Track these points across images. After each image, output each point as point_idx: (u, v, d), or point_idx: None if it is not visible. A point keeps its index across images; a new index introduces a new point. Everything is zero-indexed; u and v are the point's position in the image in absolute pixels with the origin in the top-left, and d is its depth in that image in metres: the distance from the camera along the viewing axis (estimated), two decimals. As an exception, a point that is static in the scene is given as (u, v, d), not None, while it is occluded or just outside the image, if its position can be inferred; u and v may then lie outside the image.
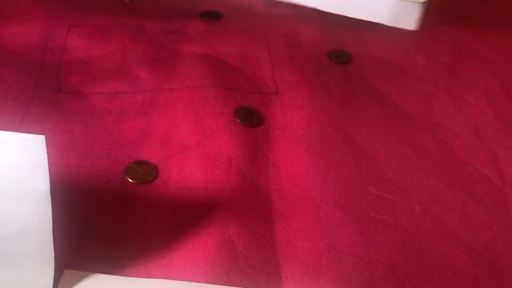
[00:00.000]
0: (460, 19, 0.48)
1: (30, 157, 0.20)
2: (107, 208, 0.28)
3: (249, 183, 0.31)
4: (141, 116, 0.34)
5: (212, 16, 0.45)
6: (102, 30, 0.41)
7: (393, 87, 0.40)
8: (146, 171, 0.31)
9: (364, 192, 0.31)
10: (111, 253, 0.26)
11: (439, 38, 0.46)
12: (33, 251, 0.23)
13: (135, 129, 0.33)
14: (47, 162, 0.21)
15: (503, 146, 0.35)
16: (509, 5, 0.53)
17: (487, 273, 0.28)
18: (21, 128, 0.32)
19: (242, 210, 0.29)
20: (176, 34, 0.42)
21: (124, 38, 0.40)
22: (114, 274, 0.25)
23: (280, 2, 0.47)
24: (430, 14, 0.49)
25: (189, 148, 0.32)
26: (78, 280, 0.24)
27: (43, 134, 0.20)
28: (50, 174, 0.21)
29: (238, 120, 0.34)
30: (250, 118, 0.35)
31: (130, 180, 0.30)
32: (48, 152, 0.21)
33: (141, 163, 0.31)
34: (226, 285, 0.25)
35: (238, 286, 0.25)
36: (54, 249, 0.23)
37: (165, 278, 0.25)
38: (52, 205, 0.22)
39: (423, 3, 0.39)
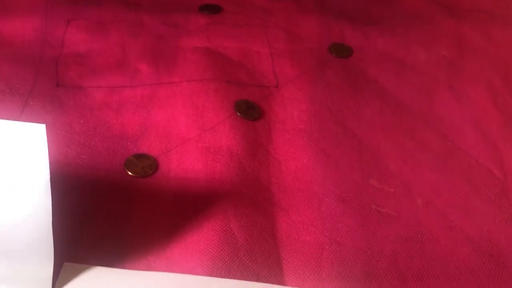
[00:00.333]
0: (461, 12, 0.48)
1: (30, 146, 0.20)
2: (107, 202, 0.28)
3: (250, 176, 0.31)
4: (141, 109, 0.34)
5: (212, 9, 0.44)
6: (101, 23, 0.41)
7: (394, 81, 0.40)
8: (146, 164, 0.30)
9: (366, 185, 0.31)
10: (111, 246, 0.26)
11: (440, 32, 0.46)
12: (33, 243, 0.22)
13: (134, 122, 0.33)
14: (47, 151, 0.20)
15: (505, 139, 0.35)
16: (510, -1, 0.53)
17: (489, 265, 0.27)
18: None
19: (243, 203, 0.29)
20: (176, 28, 0.42)
21: (123, 32, 0.40)
22: (114, 267, 0.25)
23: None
24: (430, 8, 0.49)
25: (189, 141, 0.32)
26: (77, 273, 0.24)
27: None
28: (49, 167, 0.21)
29: (238, 113, 0.34)
30: (250, 112, 0.35)
31: (130, 174, 0.30)
32: (47, 145, 0.21)
33: (141, 156, 0.31)
34: (227, 278, 0.25)
35: (239, 279, 0.25)
36: (54, 242, 0.23)
37: (166, 271, 0.25)
38: (52, 197, 0.21)
39: None
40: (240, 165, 0.31)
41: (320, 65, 0.40)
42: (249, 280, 0.25)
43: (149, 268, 0.25)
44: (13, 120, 0.31)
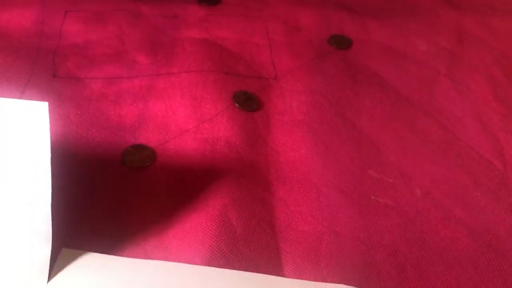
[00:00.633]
0: (461, 4, 0.48)
1: (32, 125, 0.20)
2: (105, 192, 0.28)
3: (248, 167, 0.30)
4: (139, 100, 0.34)
5: (210, 0, 0.44)
6: (99, 14, 0.40)
7: (393, 73, 0.39)
8: (144, 155, 0.30)
9: (365, 176, 0.31)
10: (109, 235, 0.26)
11: (440, 23, 0.45)
12: (31, 227, 0.22)
13: (132, 113, 0.33)
14: (49, 130, 0.20)
15: (505, 130, 0.35)
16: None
17: (488, 256, 0.27)
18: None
19: (241, 193, 0.28)
20: (174, 18, 0.41)
21: (121, 23, 0.40)
22: (111, 255, 0.25)
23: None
24: (431, 0, 0.49)
25: (187, 132, 0.32)
26: (75, 258, 0.24)
27: None
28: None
29: (236, 104, 0.34)
30: (248, 103, 0.34)
31: (128, 164, 0.29)
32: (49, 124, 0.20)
33: (138, 147, 0.31)
34: (225, 268, 0.25)
35: (237, 269, 0.25)
36: (52, 227, 0.22)
37: (163, 260, 0.25)
38: (51, 183, 0.21)
39: None
40: (238, 156, 0.31)
41: (319, 57, 0.40)
42: (247, 270, 0.25)
43: (146, 257, 0.25)
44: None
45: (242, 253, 0.26)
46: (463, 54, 0.42)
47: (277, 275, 0.25)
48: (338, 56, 0.40)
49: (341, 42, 0.42)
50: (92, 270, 0.24)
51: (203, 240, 0.26)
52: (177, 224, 0.27)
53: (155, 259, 0.25)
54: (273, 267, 0.26)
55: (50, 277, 0.23)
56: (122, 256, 0.25)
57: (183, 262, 0.25)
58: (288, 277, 0.25)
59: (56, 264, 0.24)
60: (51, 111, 0.32)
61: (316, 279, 0.25)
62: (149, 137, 0.31)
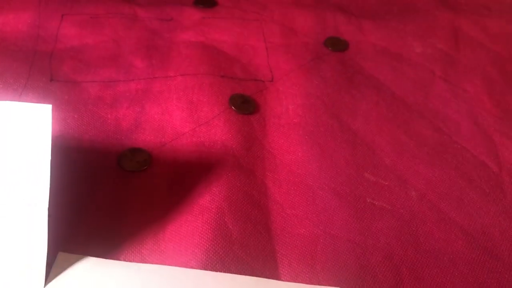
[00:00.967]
0: (457, 5, 0.48)
1: (34, 126, 0.20)
2: (102, 195, 0.28)
3: (245, 170, 0.30)
4: (135, 104, 0.34)
5: (206, 3, 0.44)
6: (95, 18, 0.40)
7: (389, 75, 0.39)
8: (140, 158, 0.30)
9: (360, 179, 0.31)
10: (105, 238, 0.26)
11: (436, 25, 0.45)
12: (28, 230, 0.22)
13: (129, 117, 0.33)
14: (51, 132, 0.20)
15: (500, 132, 0.35)
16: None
17: (483, 258, 0.27)
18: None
19: (238, 197, 0.29)
20: (170, 22, 0.42)
21: (117, 26, 0.40)
22: (108, 258, 0.25)
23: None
24: (426, 1, 0.49)
25: (184, 136, 0.32)
26: (71, 263, 0.24)
27: None
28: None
29: (233, 107, 0.34)
30: (245, 106, 0.35)
31: (124, 168, 0.30)
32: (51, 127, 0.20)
33: (135, 150, 0.31)
34: (221, 272, 0.25)
35: (233, 273, 0.25)
36: (48, 231, 0.22)
37: (159, 264, 0.25)
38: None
39: None
40: (235, 159, 0.31)
41: (315, 59, 0.40)
42: (243, 273, 0.25)
43: (143, 261, 0.25)
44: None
45: (238, 257, 0.26)
46: (459, 55, 0.43)
47: (273, 278, 0.25)
48: (334, 58, 0.41)
49: (337, 44, 0.42)
50: (89, 274, 0.24)
51: (199, 244, 0.26)
52: (173, 227, 0.27)
53: (151, 262, 0.25)
54: (269, 270, 0.26)
55: (46, 281, 0.23)
56: (118, 260, 0.25)
57: (179, 265, 0.25)
58: (284, 280, 0.25)
59: (53, 268, 0.24)
60: (47, 115, 0.32)
61: (312, 282, 0.25)
62: (145, 141, 0.32)
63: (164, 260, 0.25)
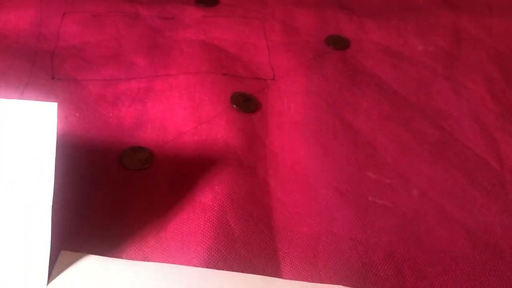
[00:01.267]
0: (459, 3, 0.48)
1: (39, 125, 0.20)
2: (104, 194, 0.28)
3: (246, 168, 0.30)
4: (137, 102, 0.34)
5: (208, 2, 0.44)
6: (97, 16, 0.40)
7: (391, 73, 0.39)
8: (142, 157, 0.30)
9: (363, 177, 0.31)
10: (108, 237, 0.26)
11: (437, 23, 0.45)
12: (31, 228, 0.22)
13: (130, 115, 0.33)
14: (56, 130, 0.20)
15: (502, 130, 0.35)
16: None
17: (485, 256, 0.27)
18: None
19: (239, 195, 0.29)
20: (172, 20, 0.42)
21: (119, 25, 0.40)
22: (110, 257, 0.25)
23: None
24: (428, 0, 0.49)
25: (186, 134, 0.32)
26: (74, 261, 0.24)
27: None
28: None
29: (234, 106, 0.34)
30: (247, 104, 0.35)
31: (126, 166, 0.30)
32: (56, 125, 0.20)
33: (137, 149, 0.31)
34: (223, 270, 0.25)
35: (235, 271, 0.25)
36: (51, 228, 0.22)
37: (162, 262, 0.25)
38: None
39: None
40: (236, 157, 0.31)
41: (317, 57, 0.40)
42: (245, 271, 0.25)
43: (145, 259, 0.25)
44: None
45: (240, 255, 0.26)
46: (461, 53, 0.43)
47: (275, 276, 0.25)
48: (336, 56, 0.40)
49: (338, 43, 0.42)
50: (91, 272, 0.24)
51: (202, 242, 0.26)
52: (175, 225, 0.27)
53: (153, 261, 0.25)
54: (271, 268, 0.26)
55: (49, 279, 0.23)
56: (121, 258, 0.25)
57: (181, 264, 0.25)
58: (286, 278, 0.25)
59: (55, 266, 0.24)
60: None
61: (313, 280, 0.25)
62: (147, 139, 0.32)
63: (166, 258, 0.25)
